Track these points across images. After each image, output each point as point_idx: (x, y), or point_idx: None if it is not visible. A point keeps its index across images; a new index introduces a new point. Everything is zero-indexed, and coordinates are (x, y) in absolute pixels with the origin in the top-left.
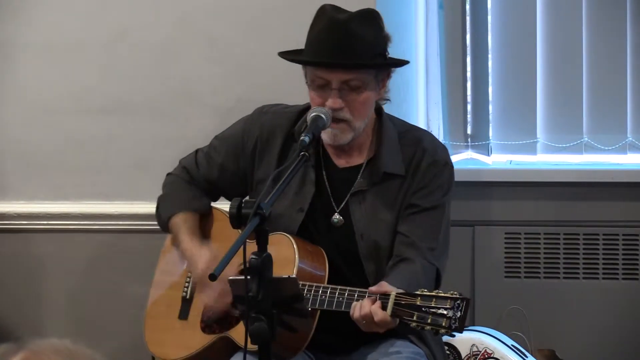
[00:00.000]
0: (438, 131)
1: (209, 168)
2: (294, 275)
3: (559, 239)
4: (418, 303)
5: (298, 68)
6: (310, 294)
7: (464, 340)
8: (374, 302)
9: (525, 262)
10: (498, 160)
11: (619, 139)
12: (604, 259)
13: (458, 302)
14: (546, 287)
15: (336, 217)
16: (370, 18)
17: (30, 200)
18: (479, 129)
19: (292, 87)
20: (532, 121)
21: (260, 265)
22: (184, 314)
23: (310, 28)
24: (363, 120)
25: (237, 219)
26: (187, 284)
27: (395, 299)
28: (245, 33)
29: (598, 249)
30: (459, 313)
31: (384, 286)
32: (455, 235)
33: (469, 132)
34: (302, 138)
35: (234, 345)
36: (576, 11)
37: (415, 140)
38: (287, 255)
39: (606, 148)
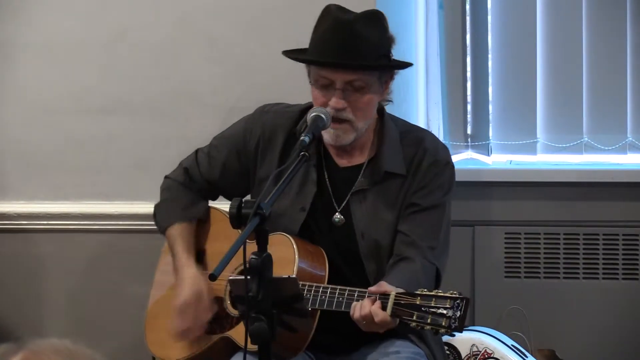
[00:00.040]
0: (438, 131)
1: (210, 168)
2: (294, 276)
3: (559, 239)
4: (418, 303)
5: (298, 68)
6: (310, 294)
7: (464, 340)
8: (373, 302)
9: (525, 262)
10: (498, 160)
11: (619, 139)
12: (604, 259)
13: (458, 301)
14: (546, 287)
15: (337, 216)
16: (375, 19)
17: (30, 200)
18: (479, 129)
19: (292, 87)
20: (532, 121)
21: (260, 265)
22: None
23: (315, 27)
24: (365, 121)
25: (237, 219)
26: None
27: (395, 299)
28: (245, 33)
29: (598, 249)
30: (459, 312)
31: (384, 286)
32: (455, 235)
33: (469, 132)
34: (302, 138)
35: (234, 345)
36: (576, 11)
37: (417, 140)
38: (287, 255)
39: (606, 148)
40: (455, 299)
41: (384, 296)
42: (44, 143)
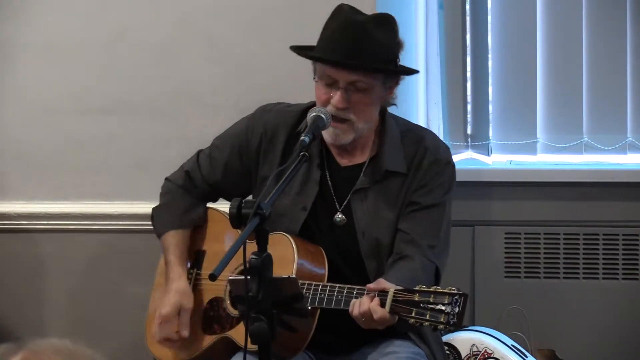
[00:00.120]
0: (438, 131)
1: (211, 169)
2: (294, 275)
3: (559, 239)
4: (416, 299)
5: (298, 68)
6: (310, 293)
7: (464, 340)
8: (372, 299)
9: (525, 262)
10: (498, 160)
11: (619, 139)
12: (604, 259)
13: (456, 297)
14: (546, 287)
15: (338, 216)
16: (386, 23)
17: (30, 200)
18: (479, 129)
19: (292, 87)
20: (532, 121)
21: (260, 265)
22: None
23: (325, 25)
24: (366, 122)
25: (237, 219)
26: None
27: (393, 296)
28: (245, 33)
29: (598, 249)
30: (457, 309)
31: (382, 283)
32: (455, 235)
33: (469, 132)
34: (302, 138)
35: (234, 345)
36: (576, 11)
37: (418, 139)
38: (286, 255)
39: (606, 148)
40: (453, 295)
41: (383, 293)
42: (44, 143)
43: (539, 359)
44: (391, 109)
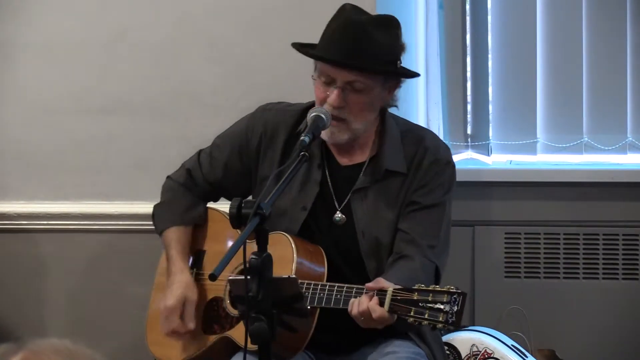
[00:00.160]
0: (438, 131)
1: (212, 168)
2: (293, 275)
3: (559, 239)
4: (415, 298)
5: (298, 68)
6: (309, 292)
7: (464, 340)
8: (371, 298)
9: (525, 262)
10: (498, 160)
11: (619, 139)
12: (604, 259)
13: (455, 296)
14: (546, 287)
15: (338, 215)
16: (388, 25)
17: (30, 200)
18: (479, 129)
19: (292, 87)
20: (532, 121)
21: (260, 265)
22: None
23: (328, 24)
24: (362, 122)
25: (237, 219)
26: None
27: (392, 295)
28: (245, 33)
29: (598, 249)
30: (456, 307)
31: (381, 282)
32: (455, 235)
33: (469, 132)
34: (302, 138)
35: (234, 345)
36: (576, 11)
37: (418, 139)
38: (285, 255)
39: (606, 148)
40: (452, 293)
41: (382, 292)
42: (44, 143)
43: (539, 359)
44: (391, 109)
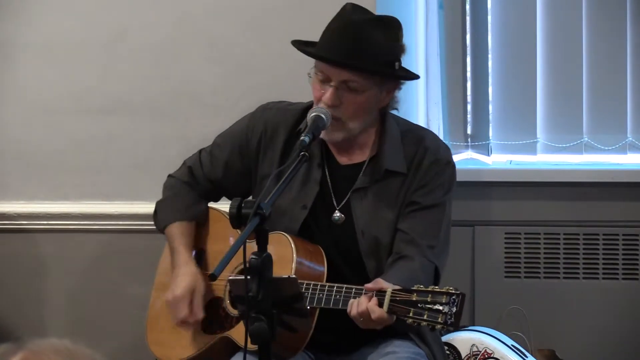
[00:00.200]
0: (438, 131)
1: (213, 167)
2: (293, 275)
3: (559, 239)
4: (414, 299)
5: (298, 68)
6: (308, 292)
7: (464, 340)
8: (370, 299)
9: (525, 262)
10: (498, 160)
11: (619, 139)
12: (604, 259)
13: (454, 297)
14: (546, 287)
15: (336, 214)
16: (388, 25)
17: (30, 200)
18: (479, 129)
19: (292, 87)
20: (532, 121)
21: (260, 265)
22: None
23: (328, 24)
24: (357, 122)
25: (237, 219)
26: None
27: (391, 296)
28: (245, 33)
29: (598, 249)
30: (455, 308)
31: (380, 282)
32: (455, 235)
33: (469, 132)
34: (302, 138)
35: (234, 345)
36: (576, 11)
37: (418, 139)
38: (285, 255)
39: (606, 148)
40: (451, 294)
41: (381, 293)
42: (44, 143)
43: (539, 359)
44: (392, 111)
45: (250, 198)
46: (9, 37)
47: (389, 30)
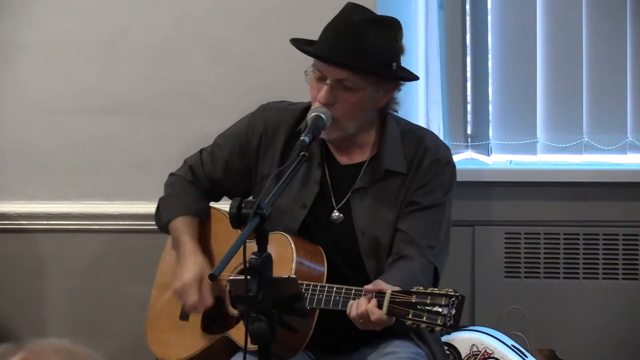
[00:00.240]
0: (438, 131)
1: (213, 167)
2: (293, 275)
3: (559, 239)
4: (413, 301)
5: (298, 68)
6: (308, 293)
7: (464, 340)
8: (370, 300)
9: (525, 262)
10: (498, 160)
11: (619, 139)
12: (604, 259)
13: (453, 299)
14: (546, 287)
15: (335, 214)
16: (387, 25)
17: (30, 200)
18: (479, 129)
19: (292, 87)
20: (532, 121)
21: (260, 265)
22: (184, 315)
23: (328, 23)
24: (352, 122)
25: (237, 219)
26: None
27: (390, 297)
28: (245, 33)
29: (598, 249)
30: (454, 310)
31: (380, 284)
32: (455, 235)
33: (469, 132)
34: (302, 138)
35: (234, 345)
36: (576, 11)
37: (418, 139)
38: (285, 255)
39: (606, 148)
40: (450, 296)
41: (380, 294)
42: (44, 143)
43: (539, 359)
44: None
45: (250, 198)
46: (9, 37)
47: (388, 31)
